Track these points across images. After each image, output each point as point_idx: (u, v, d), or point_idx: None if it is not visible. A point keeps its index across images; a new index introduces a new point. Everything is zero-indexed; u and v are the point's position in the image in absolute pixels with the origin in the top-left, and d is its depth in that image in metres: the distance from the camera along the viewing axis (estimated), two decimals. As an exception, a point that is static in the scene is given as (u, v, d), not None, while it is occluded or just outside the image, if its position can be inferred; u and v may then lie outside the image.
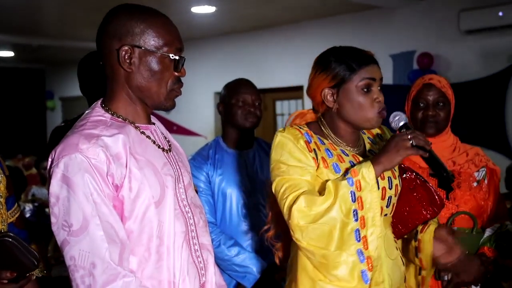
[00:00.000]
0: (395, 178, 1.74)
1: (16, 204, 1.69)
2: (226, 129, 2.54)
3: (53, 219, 1.26)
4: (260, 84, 7.25)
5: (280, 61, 6.69)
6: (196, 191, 2.10)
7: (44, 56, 9.24)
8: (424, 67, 5.27)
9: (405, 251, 1.91)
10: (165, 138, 1.50)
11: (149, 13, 1.39)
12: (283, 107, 7.03)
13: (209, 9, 5.67)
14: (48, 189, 1.28)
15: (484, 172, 2.12)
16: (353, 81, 1.65)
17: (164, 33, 1.37)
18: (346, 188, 1.57)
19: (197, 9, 5.66)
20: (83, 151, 1.25)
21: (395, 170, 1.76)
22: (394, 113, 1.69)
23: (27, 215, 3.57)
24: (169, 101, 1.41)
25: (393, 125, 1.70)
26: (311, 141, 1.69)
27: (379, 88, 1.68)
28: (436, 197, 1.78)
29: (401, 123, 1.68)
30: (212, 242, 2.34)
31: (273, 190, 1.67)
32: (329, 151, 1.69)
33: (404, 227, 1.81)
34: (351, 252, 1.59)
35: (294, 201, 1.57)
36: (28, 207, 3.68)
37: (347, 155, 1.71)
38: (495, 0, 4.87)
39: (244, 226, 2.44)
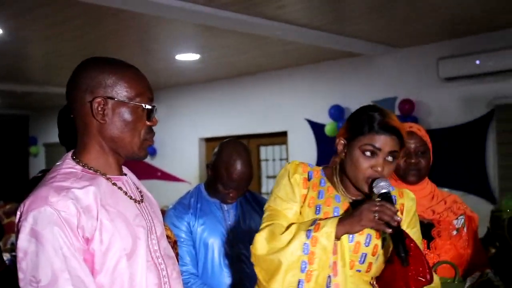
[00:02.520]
0: (377, 238, 1.70)
1: None
2: (210, 182, 2.49)
3: (20, 275, 1.23)
4: (244, 129, 7.32)
5: (264, 106, 6.76)
6: (175, 242, 2.07)
7: (29, 102, 9.24)
8: (405, 113, 5.34)
9: None
10: (137, 188, 1.49)
11: (119, 65, 1.40)
12: (267, 152, 7.05)
13: (193, 56, 5.74)
14: (16, 244, 1.25)
15: (462, 220, 2.12)
16: (359, 141, 1.67)
17: (135, 84, 1.38)
18: (303, 238, 1.61)
19: (181, 57, 5.73)
20: (53, 204, 1.23)
21: (384, 232, 1.69)
22: (379, 179, 1.64)
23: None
24: (142, 151, 1.41)
25: (374, 190, 1.65)
26: (311, 179, 1.77)
27: (387, 159, 1.65)
28: (428, 273, 1.63)
29: (382, 191, 1.62)
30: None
31: None
32: (323, 192, 1.75)
33: None
34: None
35: (261, 230, 1.69)
36: (6, 256, 3.58)
37: (339, 201, 1.74)
38: (471, 49, 5.00)
39: (226, 277, 2.39)
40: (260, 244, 1.66)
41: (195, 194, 2.49)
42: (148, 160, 7.87)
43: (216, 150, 2.45)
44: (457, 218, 2.11)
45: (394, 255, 1.67)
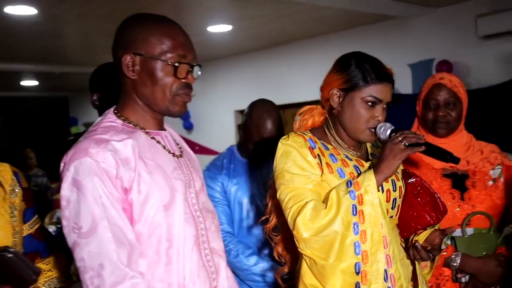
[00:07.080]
0: (398, 180, 1.74)
1: (35, 216, 1.71)
2: (242, 142, 2.52)
3: (64, 222, 1.29)
4: (280, 100, 7.24)
5: (299, 76, 6.71)
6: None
7: (67, 83, 9.44)
8: (443, 75, 5.22)
9: None
10: (177, 144, 1.52)
11: (154, 20, 1.41)
12: (303, 122, 7.02)
13: (225, 27, 5.73)
14: (59, 192, 1.30)
15: (500, 170, 2.07)
16: (362, 93, 1.67)
17: (166, 39, 1.38)
18: (348, 201, 1.58)
19: (213, 29, 5.73)
20: (93, 155, 1.28)
21: (397, 173, 1.77)
22: (379, 125, 1.68)
23: (51, 236, 3.64)
24: (175, 106, 1.41)
25: (382, 137, 1.67)
26: (315, 147, 1.71)
27: (384, 107, 1.69)
28: (440, 203, 1.75)
29: (388, 132, 1.66)
30: (230, 252, 2.34)
31: (278, 198, 1.69)
32: (333, 156, 1.71)
33: (406, 230, 1.80)
34: (348, 264, 1.57)
35: (298, 213, 1.59)
36: (52, 228, 3.74)
37: (351, 159, 1.73)
38: (511, 3, 4.82)
39: (261, 235, 2.42)
40: (305, 226, 1.57)
41: (227, 155, 2.52)
42: (185, 134, 7.95)
43: (246, 110, 2.48)
44: (493, 168, 2.07)
45: (408, 192, 1.77)
